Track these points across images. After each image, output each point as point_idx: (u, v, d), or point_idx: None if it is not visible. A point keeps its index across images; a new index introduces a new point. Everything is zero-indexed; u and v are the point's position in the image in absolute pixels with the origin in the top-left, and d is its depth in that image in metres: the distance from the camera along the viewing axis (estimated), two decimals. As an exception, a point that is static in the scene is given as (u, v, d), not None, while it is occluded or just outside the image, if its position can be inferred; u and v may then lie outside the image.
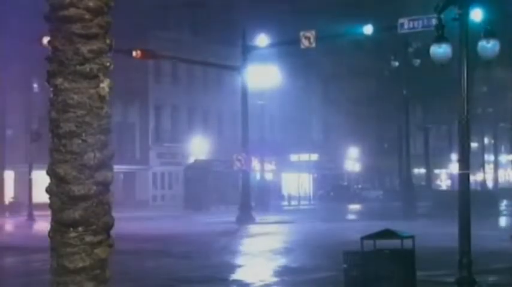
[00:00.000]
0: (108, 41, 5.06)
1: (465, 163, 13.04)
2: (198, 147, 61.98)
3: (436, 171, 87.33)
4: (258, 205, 46.28)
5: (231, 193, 48.09)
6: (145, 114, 62.20)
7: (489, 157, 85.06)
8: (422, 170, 75.01)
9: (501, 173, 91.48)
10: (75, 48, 4.95)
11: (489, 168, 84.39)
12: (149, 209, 52.93)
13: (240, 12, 55.74)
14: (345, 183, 77.83)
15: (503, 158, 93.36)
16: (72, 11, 4.93)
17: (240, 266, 19.27)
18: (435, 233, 27.84)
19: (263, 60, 44.49)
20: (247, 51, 39.38)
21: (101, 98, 4.99)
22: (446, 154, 79.41)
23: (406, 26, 30.86)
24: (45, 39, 31.64)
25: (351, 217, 46.86)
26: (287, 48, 45.50)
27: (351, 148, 79.18)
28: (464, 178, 13.05)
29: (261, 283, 15.85)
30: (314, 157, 72.25)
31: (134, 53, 36.22)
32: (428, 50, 14.28)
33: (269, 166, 61.91)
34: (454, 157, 65.12)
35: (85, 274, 4.93)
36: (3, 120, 55.08)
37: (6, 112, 55.07)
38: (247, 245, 26.28)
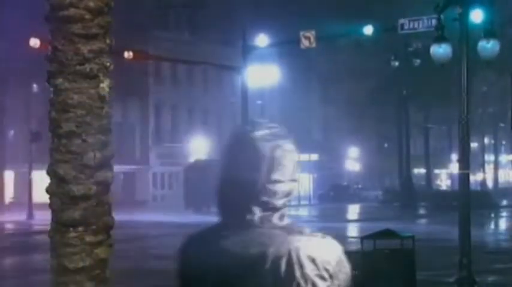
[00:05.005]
0: (108, 41, 5.06)
1: (465, 163, 13.04)
2: (198, 147, 61.98)
3: (436, 171, 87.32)
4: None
5: (231, 193, 48.04)
6: (145, 114, 62.22)
7: (489, 157, 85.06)
8: (422, 170, 75.03)
9: (501, 173, 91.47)
10: (75, 48, 4.95)
11: (489, 168, 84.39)
12: (149, 209, 52.93)
13: (240, 12, 55.74)
14: (345, 183, 77.83)
15: (503, 158, 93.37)
16: (72, 11, 4.93)
17: (240, 266, 19.25)
18: (435, 233, 27.86)
19: (263, 60, 44.46)
20: (247, 51, 39.37)
21: (101, 98, 4.99)
22: (446, 154, 79.41)
23: (406, 27, 30.81)
24: (33, 41, 31.39)
25: (351, 216, 46.85)
26: (287, 48, 45.50)
27: (351, 148, 79.16)
28: (464, 178, 13.05)
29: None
30: (314, 157, 72.25)
31: (126, 54, 35.49)
32: (428, 50, 14.28)
33: (269, 166, 61.84)
34: (454, 157, 65.05)
35: (85, 274, 4.93)
36: (3, 120, 55.11)
37: (6, 112, 55.10)
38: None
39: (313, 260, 2.44)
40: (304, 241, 2.46)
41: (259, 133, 2.50)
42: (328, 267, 2.46)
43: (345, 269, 2.51)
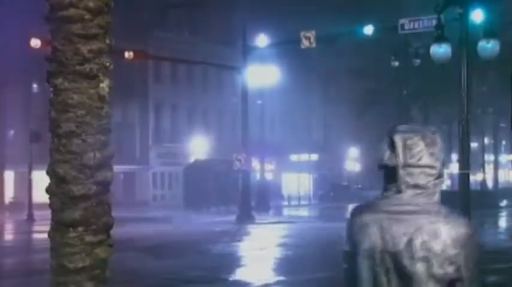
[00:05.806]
0: (108, 41, 5.06)
1: (465, 163, 13.06)
2: (198, 147, 61.97)
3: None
4: (258, 205, 46.28)
5: (231, 193, 48.05)
6: (145, 114, 62.20)
7: (489, 157, 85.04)
8: (422, 170, 74.88)
9: (501, 173, 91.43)
10: (75, 48, 4.94)
11: (489, 168, 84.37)
12: (149, 209, 52.94)
13: (240, 12, 55.73)
14: (345, 183, 77.79)
15: (503, 158, 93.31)
16: (72, 11, 4.93)
17: (239, 266, 19.27)
18: (435, 233, 27.84)
19: (263, 60, 44.47)
20: (247, 51, 39.39)
21: (101, 98, 4.98)
22: (447, 154, 79.23)
23: (406, 27, 30.84)
24: (34, 41, 31.47)
25: (351, 217, 46.82)
26: (287, 48, 45.50)
27: (351, 148, 79.13)
28: (464, 178, 13.07)
29: (261, 283, 15.85)
30: (314, 157, 72.22)
31: (127, 54, 35.47)
32: (428, 50, 14.28)
33: (269, 166, 61.91)
34: (454, 157, 65.07)
35: (85, 274, 4.92)
36: (3, 120, 55.11)
37: (6, 112, 55.09)
38: (247, 245, 26.27)
39: (440, 237, 2.90)
40: (439, 220, 2.94)
41: (399, 128, 3.08)
42: (455, 245, 2.90)
43: (472, 252, 2.94)
